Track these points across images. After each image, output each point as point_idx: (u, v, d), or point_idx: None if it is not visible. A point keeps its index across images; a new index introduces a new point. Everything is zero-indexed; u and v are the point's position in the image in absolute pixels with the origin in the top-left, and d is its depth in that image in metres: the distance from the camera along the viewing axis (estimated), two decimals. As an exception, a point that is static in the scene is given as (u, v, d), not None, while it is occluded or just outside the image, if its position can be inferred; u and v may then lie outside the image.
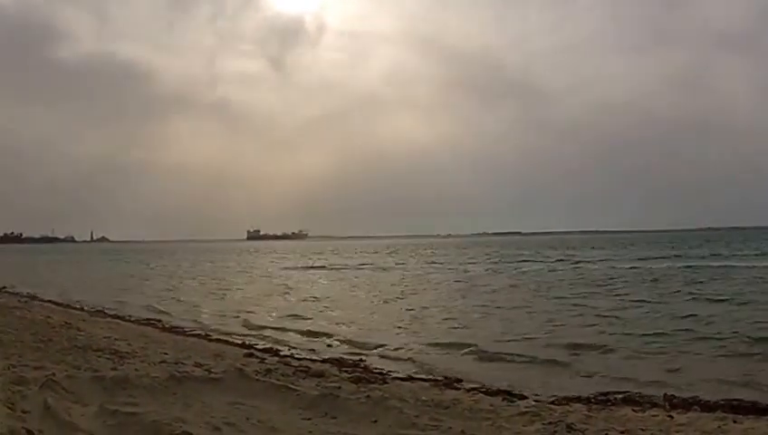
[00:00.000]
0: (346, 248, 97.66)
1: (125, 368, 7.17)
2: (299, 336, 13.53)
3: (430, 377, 9.13)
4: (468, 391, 7.97)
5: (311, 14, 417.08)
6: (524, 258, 50.25)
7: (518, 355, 10.83)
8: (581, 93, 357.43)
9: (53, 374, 5.96)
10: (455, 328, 14.37)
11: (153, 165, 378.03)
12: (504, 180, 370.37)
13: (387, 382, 8.20)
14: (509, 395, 7.70)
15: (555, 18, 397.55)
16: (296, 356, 10.55)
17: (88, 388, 5.78)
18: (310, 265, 48.27)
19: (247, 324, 15.48)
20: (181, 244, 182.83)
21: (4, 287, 24.70)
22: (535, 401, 7.50)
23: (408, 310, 17.98)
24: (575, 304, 18.14)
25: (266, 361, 9.39)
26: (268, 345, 11.93)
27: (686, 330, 13.03)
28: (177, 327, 14.72)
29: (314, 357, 10.65)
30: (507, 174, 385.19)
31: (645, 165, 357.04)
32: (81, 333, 10.85)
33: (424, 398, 6.88)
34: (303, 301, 21.45)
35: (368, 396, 6.51)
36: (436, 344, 12.10)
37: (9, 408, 4.71)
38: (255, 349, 11.08)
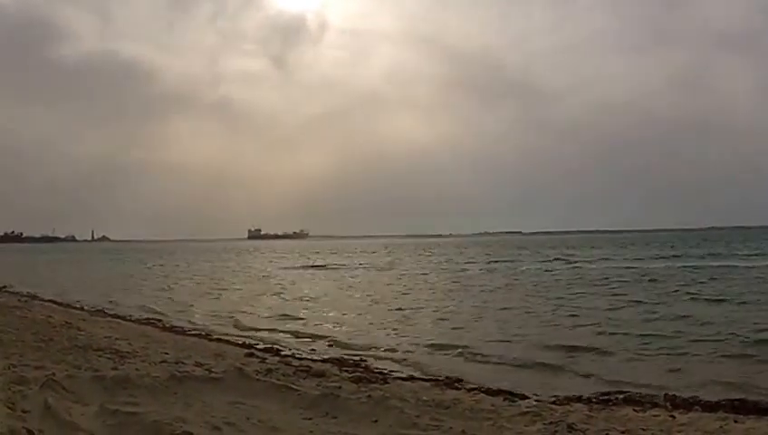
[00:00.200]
0: (345, 248, 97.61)
1: (126, 368, 7.17)
2: (291, 337, 13.43)
3: (431, 377, 9.11)
4: (469, 391, 7.96)
5: (312, 12, 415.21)
6: (524, 258, 50.28)
7: (518, 356, 10.80)
8: (581, 93, 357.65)
9: (54, 374, 5.97)
10: (453, 329, 14.32)
11: (154, 165, 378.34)
12: (504, 180, 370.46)
13: (387, 382, 8.19)
14: (510, 395, 7.68)
15: (555, 18, 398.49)
16: (297, 356, 10.54)
17: (88, 388, 5.78)
18: (308, 264, 48.30)
19: (238, 325, 15.41)
20: (182, 243, 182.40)
21: (5, 287, 24.67)
22: (536, 401, 7.49)
23: (399, 310, 17.83)
24: (575, 306, 18.08)
25: (267, 360, 9.39)
26: (268, 345, 11.91)
27: (685, 331, 12.96)
28: (177, 327, 14.72)
29: (315, 357, 10.63)
30: (507, 174, 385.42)
31: (645, 165, 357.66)
32: (82, 333, 10.86)
33: (425, 398, 6.88)
34: (299, 300, 21.42)
35: (368, 396, 6.51)
36: (435, 345, 12.06)
37: (9, 408, 4.71)
38: (256, 349, 11.07)
